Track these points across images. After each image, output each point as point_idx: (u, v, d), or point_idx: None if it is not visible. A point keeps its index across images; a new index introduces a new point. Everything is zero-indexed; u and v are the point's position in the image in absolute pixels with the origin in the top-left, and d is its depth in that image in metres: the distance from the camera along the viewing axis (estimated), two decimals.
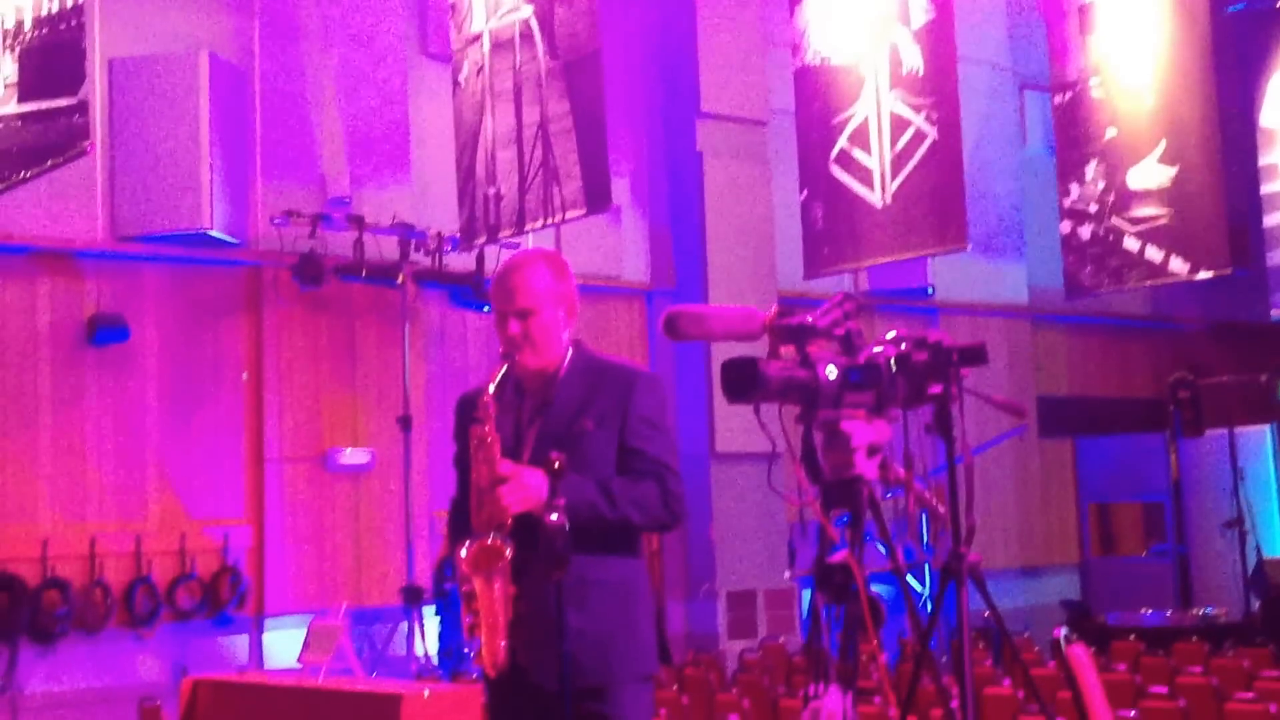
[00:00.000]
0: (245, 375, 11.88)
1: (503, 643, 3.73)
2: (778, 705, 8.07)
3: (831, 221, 11.95)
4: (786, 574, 13.61)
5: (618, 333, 13.95)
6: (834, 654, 3.48)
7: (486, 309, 12.04)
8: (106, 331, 11.08)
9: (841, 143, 11.97)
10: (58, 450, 11.01)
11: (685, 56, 13.91)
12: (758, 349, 3.58)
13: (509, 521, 3.75)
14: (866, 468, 3.48)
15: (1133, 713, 6.69)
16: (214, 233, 11.19)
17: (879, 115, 11.58)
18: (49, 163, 8.12)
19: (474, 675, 7.87)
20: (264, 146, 11.99)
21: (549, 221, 9.81)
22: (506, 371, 3.98)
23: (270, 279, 11.92)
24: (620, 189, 13.90)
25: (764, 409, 3.50)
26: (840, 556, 3.44)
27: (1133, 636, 11.40)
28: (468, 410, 3.99)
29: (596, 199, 9.57)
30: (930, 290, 15.10)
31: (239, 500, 11.84)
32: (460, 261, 12.16)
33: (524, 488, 3.77)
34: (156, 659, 11.18)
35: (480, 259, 11.97)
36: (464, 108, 11.07)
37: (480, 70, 10.75)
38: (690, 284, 13.58)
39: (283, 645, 11.16)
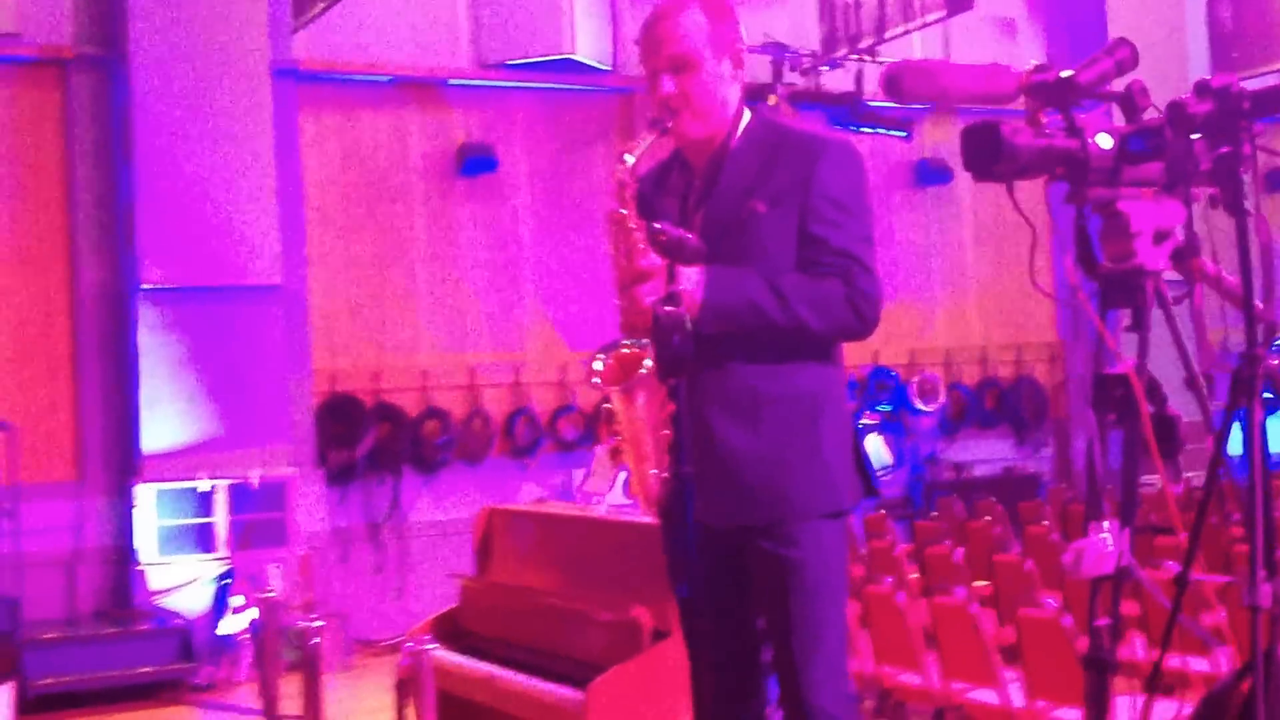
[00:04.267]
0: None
1: (653, 470, 3.04)
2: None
3: (1240, 23, 10.65)
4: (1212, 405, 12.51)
5: None
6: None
7: (868, 129, 11.33)
8: (476, 161, 10.96)
9: None
10: (434, 282, 11.01)
11: None
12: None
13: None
14: (1152, 257, 2.73)
15: None
16: (579, 57, 10.82)
17: None
18: None
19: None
20: None
21: (910, 26, 8.97)
22: (665, 145, 3.24)
23: (641, 105, 11.49)
24: (1015, 2, 12.85)
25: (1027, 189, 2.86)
26: (1121, 367, 2.76)
27: None
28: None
29: None
30: None
31: (617, 330, 11.57)
32: (837, 80, 11.42)
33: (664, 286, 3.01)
34: (541, 487, 11.13)
35: (859, 78, 11.19)
36: None
37: None
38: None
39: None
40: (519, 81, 11.14)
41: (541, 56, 10.87)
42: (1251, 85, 2.67)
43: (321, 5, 8.60)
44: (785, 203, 3.15)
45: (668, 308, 2.90)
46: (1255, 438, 2.58)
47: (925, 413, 12.11)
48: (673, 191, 3.32)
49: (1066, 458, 13.16)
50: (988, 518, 8.15)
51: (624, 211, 3.07)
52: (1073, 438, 13.13)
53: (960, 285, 12.89)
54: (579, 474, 10.80)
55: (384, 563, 10.67)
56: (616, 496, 5.20)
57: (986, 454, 12.72)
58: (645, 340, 2.99)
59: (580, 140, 11.49)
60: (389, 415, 10.76)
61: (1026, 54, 12.79)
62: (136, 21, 9.23)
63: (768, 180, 3.18)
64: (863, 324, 3.16)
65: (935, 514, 9.70)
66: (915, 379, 12.21)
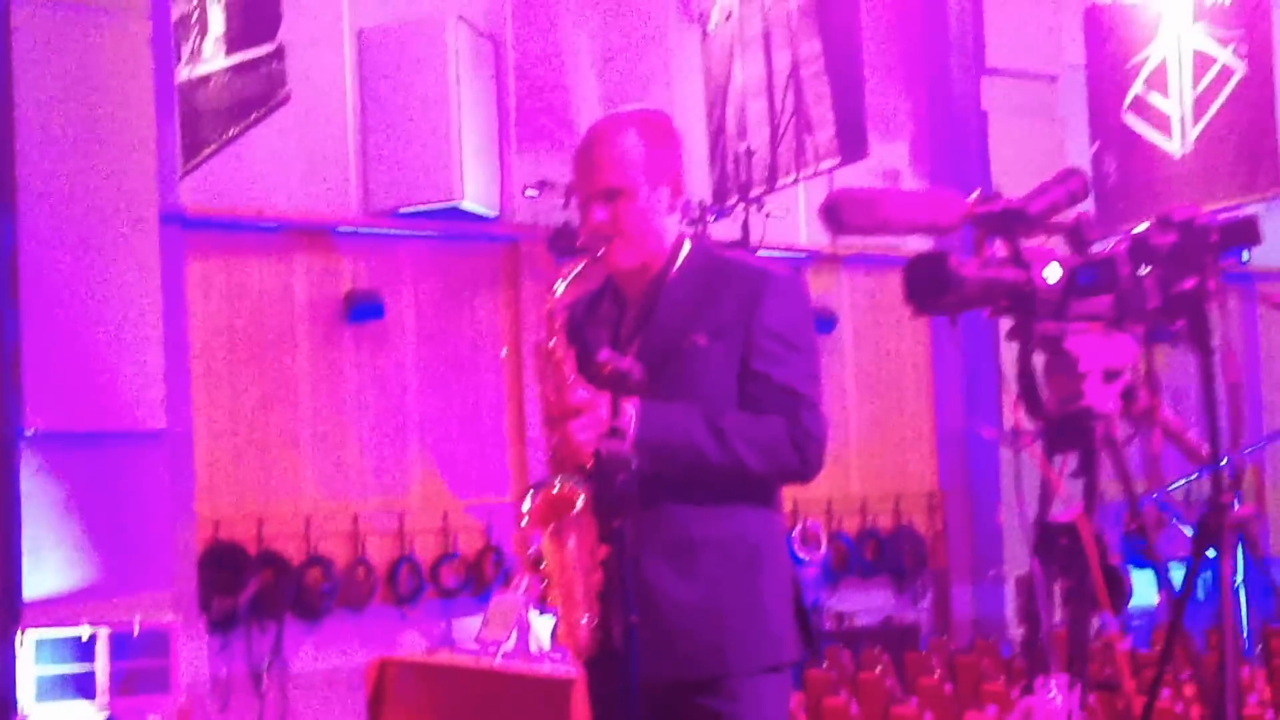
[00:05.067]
0: (505, 351, 11.63)
1: (584, 618, 2.87)
2: None
3: (1125, 175, 11.03)
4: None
5: (898, 306, 13.20)
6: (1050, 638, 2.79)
7: None
8: (363, 308, 10.95)
9: (1136, 88, 11.01)
10: (318, 428, 10.94)
11: (969, 6, 13.05)
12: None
13: (587, 464, 2.87)
14: (1101, 398, 2.67)
15: None
16: (467, 205, 10.93)
17: (1179, 54, 10.56)
18: (253, 115, 7.94)
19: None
20: (518, 116, 11.69)
21: (801, 175, 9.18)
22: (598, 274, 3.15)
23: (527, 252, 11.63)
24: (899, 153, 13.22)
25: (968, 324, 2.86)
26: (1068, 514, 2.74)
27: None
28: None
29: (852, 147, 8.89)
30: (1244, 257, 13.77)
31: (502, 478, 11.60)
32: (724, 230, 11.63)
33: (601, 421, 2.87)
34: (421, 636, 11.02)
35: (745, 227, 11.40)
36: (713, 60, 10.56)
37: (729, 16, 10.20)
38: None
39: (550, 624, 10.87)
40: (407, 229, 11.21)
41: (430, 205, 10.95)
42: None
43: (211, 148, 8.63)
44: (727, 336, 3.03)
45: (611, 444, 2.77)
46: (1225, 595, 2.50)
47: (809, 562, 12.21)
48: (604, 321, 3.19)
49: (945, 608, 13.28)
50: (879, 669, 8.19)
51: (553, 342, 2.95)
52: (952, 588, 13.25)
53: (841, 434, 13.04)
54: (474, 620, 10.72)
55: (265, 712, 10.46)
56: (512, 645, 5.18)
57: (867, 604, 12.79)
58: (576, 478, 2.87)
59: (467, 288, 11.56)
60: (272, 562, 10.60)
61: None
62: (24, 164, 9.17)
63: (708, 312, 3.06)
64: (806, 466, 3.03)
65: (825, 664, 9.72)
66: (798, 528, 12.31)
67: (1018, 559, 12.49)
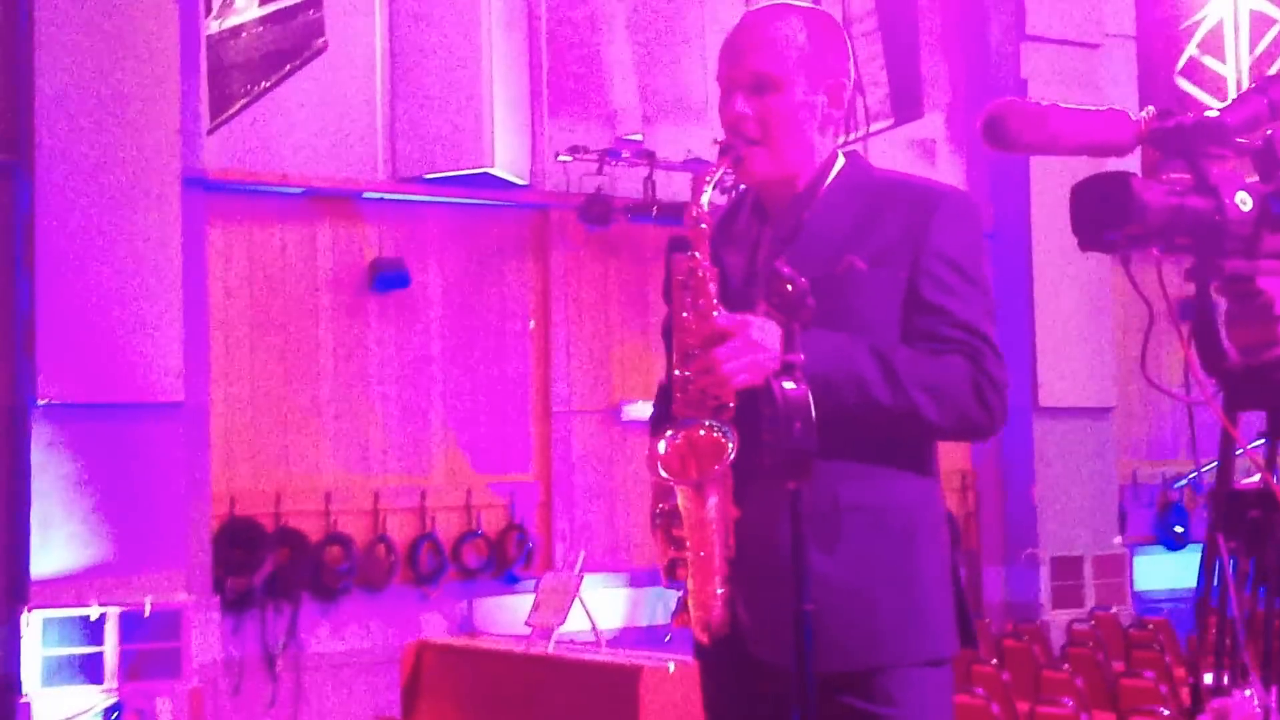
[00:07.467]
0: (532, 323, 11.28)
1: (720, 591, 2.42)
2: (1117, 685, 6.92)
3: None
4: (1117, 539, 12.45)
5: None
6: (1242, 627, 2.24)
7: None
8: (388, 277, 10.59)
9: (1190, 51, 10.64)
10: (340, 401, 10.59)
11: None
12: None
13: (732, 401, 2.40)
14: None
15: None
16: (497, 172, 10.59)
17: (1235, 16, 10.20)
18: (287, 67, 7.58)
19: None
20: (550, 82, 11.32)
21: (851, 137, 8.77)
22: (735, 182, 2.77)
23: (557, 221, 11.27)
24: (935, 124, 12.82)
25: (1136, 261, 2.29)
26: (1257, 482, 2.24)
27: None
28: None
29: (905, 107, 8.48)
30: None
31: (526, 455, 11.27)
32: None
33: (755, 347, 2.38)
34: (442, 617, 10.71)
35: None
36: None
37: None
38: (1012, 227, 12.38)
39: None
40: (434, 195, 10.84)
41: (459, 170, 10.61)
42: None
43: (241, 102, 8.27)
44: (891, 262, 2.56)
45: (787, 384, 2.21)
46: None
47: None
48: (740, 240, 2.71)
49: (977, 590, 12.97)
50: None
51: (697, 255, 2.48)
52: (984, 569, 12.95)
53: None
54: (496, 602, 10.38)
55: (278, 696, 10.14)
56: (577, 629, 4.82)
57: None
58: (724, 423, 2.39)
59: (495, 257, 11.21)
60: (290, 540, 10.27)
61: (944, 178, 12.76)
62: (43, 122, 8.85)
63: (868, 234, 2.59)
64: (990, 418, 2.54)
65: None
66: None
67: (1053, 540, 12.22)
